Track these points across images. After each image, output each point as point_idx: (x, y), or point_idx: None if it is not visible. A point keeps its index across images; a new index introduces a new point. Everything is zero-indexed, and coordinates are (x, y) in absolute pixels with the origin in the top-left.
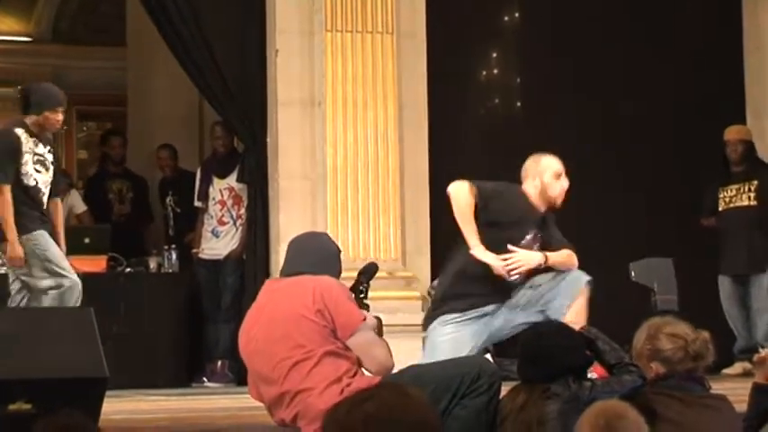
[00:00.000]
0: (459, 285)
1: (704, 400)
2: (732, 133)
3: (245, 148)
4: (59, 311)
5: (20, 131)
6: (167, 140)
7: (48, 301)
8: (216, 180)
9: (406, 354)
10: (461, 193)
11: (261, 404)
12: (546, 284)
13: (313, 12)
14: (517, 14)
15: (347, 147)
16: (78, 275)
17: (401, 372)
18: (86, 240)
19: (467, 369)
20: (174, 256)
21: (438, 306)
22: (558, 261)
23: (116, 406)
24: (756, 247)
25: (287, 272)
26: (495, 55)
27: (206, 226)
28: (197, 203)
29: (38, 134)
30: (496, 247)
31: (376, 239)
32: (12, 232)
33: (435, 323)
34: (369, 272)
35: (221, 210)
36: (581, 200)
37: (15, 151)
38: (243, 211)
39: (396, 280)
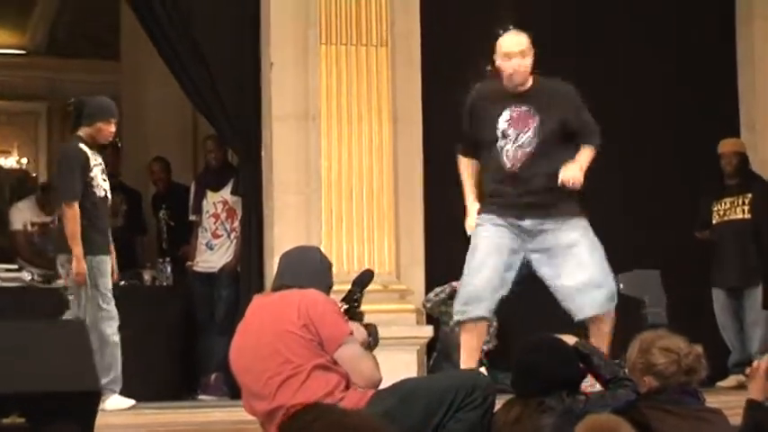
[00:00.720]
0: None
1: (699, 414)
2: (727, 146)
3: (240, 162)
4: (52, 324)
5: (83, 147)
6: (161, 153)
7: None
8: (210, 193)
9: (400, 367)
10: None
11: (254, 418)
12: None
13: (308, 25)
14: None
15: (342, 160)
16: None
17: (395, 385)
18: None
19: (461, 382)
20: (168, 269)
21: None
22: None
23: (110, 419)
24: (750, 260)
25: (276, 286)
26: (489, 68)
27: (200, 239)
28: (191, 217)
29: (91, 146)
30: (489, 148)
31: (370, 252)
32: (78, 248)
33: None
34: (363, 280)
35: (215, 223)
36: None
37: (83, 168)
38: (237, 224)
39: (390, 293)
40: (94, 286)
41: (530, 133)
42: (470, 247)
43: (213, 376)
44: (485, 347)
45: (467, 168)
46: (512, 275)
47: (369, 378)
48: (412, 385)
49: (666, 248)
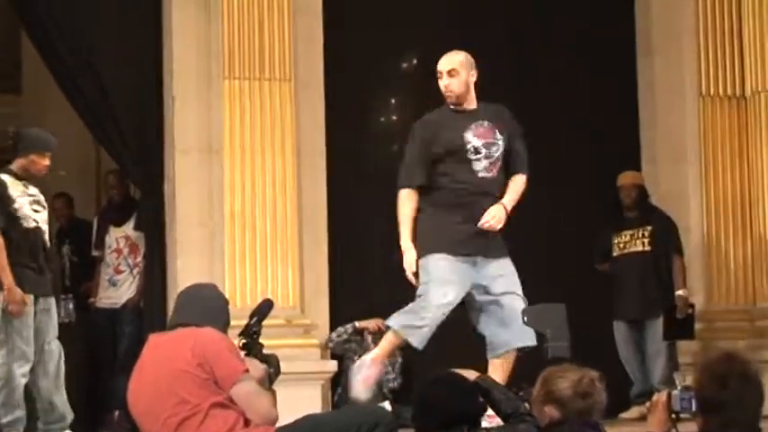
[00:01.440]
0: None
1: None
2: (626, 179)
3: (142, 196)
4: None
5: (4, 177)
6: (63, 189)
7: None
8: (112, 228)
9: (304, 402)
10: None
11: None
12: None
13: (210, 58)
14: (415, 60)
15: (245, 194)
16: None
17: (297, 421)
18: None
19: (363, 417)
20: (70, 305)
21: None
22: (514, 200)
23: None
24: (651, 292)
25: (172, 324)
26: (393, 101)
27: (103, 275)
28: (94, 252)
29: (26, 178)
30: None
31: (274, 286)
32: (8, 278)
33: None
34: (261, 311)
35: (117, 258)
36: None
37: (4, 198)
38: (140, 259)
39: (294, 327)
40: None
41: (498, 147)
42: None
43: (116, 414)
44: (390, 384)
45: (411, 203)
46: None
47: (264, 415)
48: (315, 421)
49: (570, 280)
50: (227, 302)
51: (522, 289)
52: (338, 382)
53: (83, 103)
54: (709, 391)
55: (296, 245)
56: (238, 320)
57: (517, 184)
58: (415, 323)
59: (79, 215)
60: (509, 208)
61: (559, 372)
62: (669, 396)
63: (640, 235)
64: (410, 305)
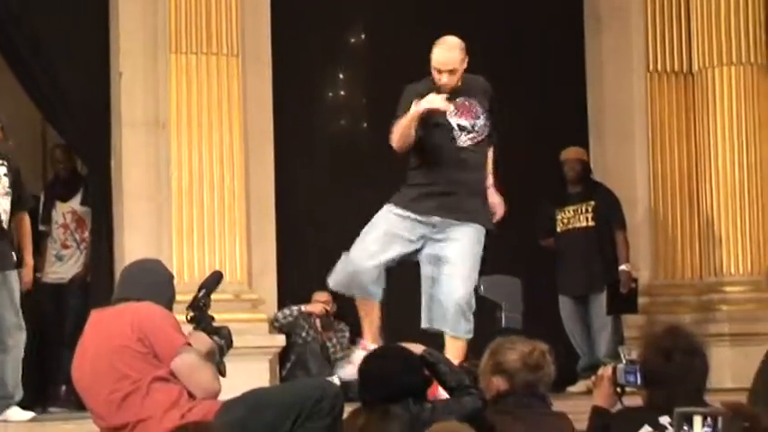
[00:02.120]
0: None
1: (544, 418)
2: (570, 153)
3: (89, 171)
4: None
5: None
6: None
7: None
8: (59, 203)
9: (251, 376)
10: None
11: None
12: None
13: (157, 33)
14: (363, 36)
15: (192, 168)
16: None
17: (244, 395)
18: None
19: (309, 391)
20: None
21: None
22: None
23: None
24: (595, 267)
25: (115, 298)
26: (341, 76)
27: (50, 250)
28: (41, 227)
29: None
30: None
31: (222, 261)
32: None
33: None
34: (210, 283)
35: (64, 233)
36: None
37: None
38: (87, 234)
39: (242, 302)
40: None
41: (480, 121)
42: None
43: (63, 388)
44: (336, 356)
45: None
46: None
47: (206, 389)
48: (261, 394)
49: (519, 255)
50: (171, 277)
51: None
52: (286, 357)
53: (29, 78)
54: (654, 364)
55: (243, 219)
56: (186, 295)
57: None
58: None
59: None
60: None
61: (508, 343)
62: (615, 370)
63: (584, 210)
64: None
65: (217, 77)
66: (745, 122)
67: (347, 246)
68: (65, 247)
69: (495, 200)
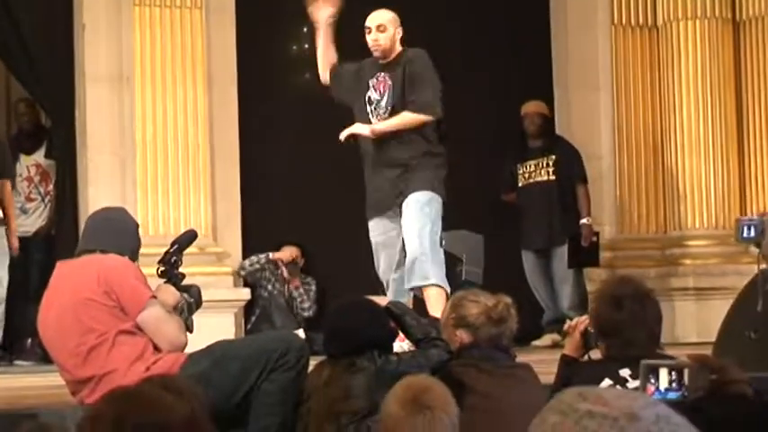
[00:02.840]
0: None
1: (510, 371)
2: (530, 107)
3: (53, 124)
4: None
5: None
6: None
7: None
8: (23, 157)
9: (216, 330)
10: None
11: None
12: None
13: None
14: None
15: (156, 122)
16: None
17: (209, 347)
18: None
19: (275, 344)
20: None
21: None
22: (384, 127)
23: None
24: (555, 221)
25: (79, 250)
26: (305, 30)
27: (14, 203)
28: None
29: None
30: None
31: (186, 215)
32: None
33: None
34: (183, 241)
35: (29, 186)
36: None
37: None
38: (51, 187)
39: (207, 255)
40: None
41: (385, 98)
42: None
43: (28, 341)
44: (305, 313)
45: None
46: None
47: (172, 342)
48: (226, 347)
49: (481, 211)
50: (136, 226)
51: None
52: (251, 311)
53: None
54: (605, 314)
55: (208, 173)
56: (150, 248)
57: (397, 117)
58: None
59: None
60: (370, 130)
61: (471, 296)
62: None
63: (544, 164)
64: None
65: (180, 30)
66: (710, 76)
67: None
68: (29, 200)
69: None
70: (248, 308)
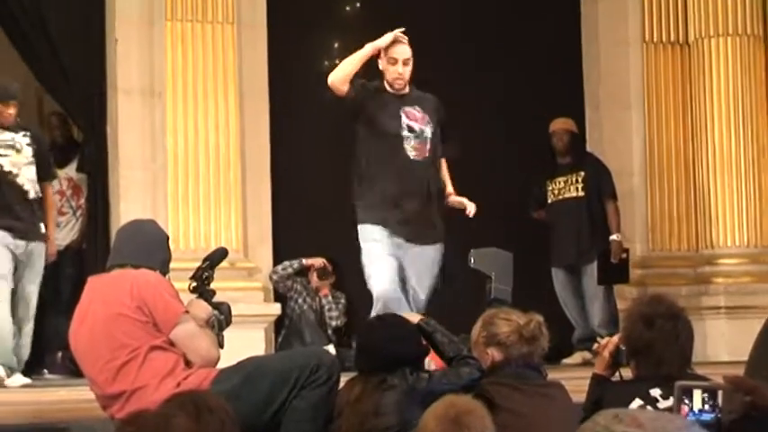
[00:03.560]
0: None
1: (541, 389)
2: (558, 124)
3: (85, 138)
4: None
5: None
6: None
7: None
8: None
9: (246, 345)
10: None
11: None
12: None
13: (153, 1)
14: (358, 4)
15: (188, 136)
16: None
17: (240, 363)
18: None
19: (306, 360)
20: None
21: None
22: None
23: None
24: (585, 237)
25: (111, 264)
26: (336, 45)
27: None
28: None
29: None
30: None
31: (217, 230)
32: None
33: None
34: (215, 257)
35: (61, 200)
36: None
37: None
38: (83, 201)
39: (237, 270)
40: None
41: (427, 130)
42: None
43: (59, 354)
44: (333, 323)
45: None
46: None
47: (204, 356)
48: (257, 363)
49: (509, 229)
50: (167, 238)
51: (462, 237)
52: (282, 325)
53: (26, 45)
54: (636, 333)
55: (239, 188)
56: (181, 263)
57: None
58: None
59: None
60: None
61: (502, 314)
62: (617, 346)
63: (574, 181)
64: None
65: (212, 45)
66: (741, 94)
67: (343, 214)
68: (61, 213)
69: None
70: (278, 323)
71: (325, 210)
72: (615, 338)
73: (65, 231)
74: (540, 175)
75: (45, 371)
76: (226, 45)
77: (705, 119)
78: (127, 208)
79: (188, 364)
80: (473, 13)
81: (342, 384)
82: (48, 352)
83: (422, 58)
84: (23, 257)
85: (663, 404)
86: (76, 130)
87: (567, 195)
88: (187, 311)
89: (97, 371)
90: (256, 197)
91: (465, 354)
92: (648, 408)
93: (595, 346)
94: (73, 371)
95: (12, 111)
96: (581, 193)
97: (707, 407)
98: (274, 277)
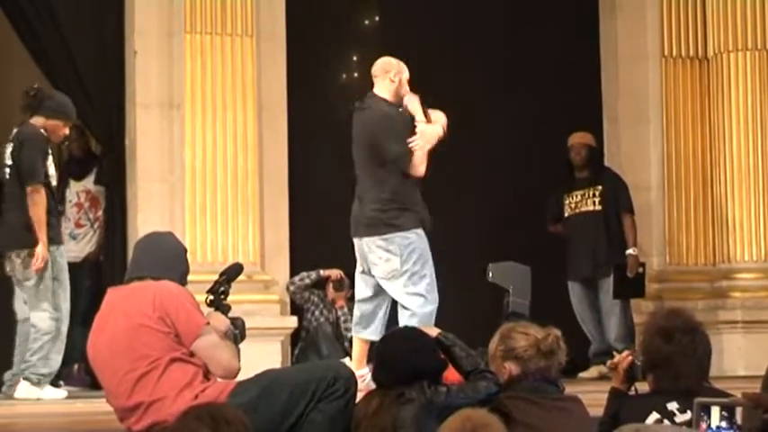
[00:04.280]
0: None
1: (558, 403)
2: (576, 138)
3: (103, 151)
4: None
5: (44, 132)
6: None
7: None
8: (72, 182)
9: (263, 357)
10: None
11: None
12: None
13: (172, 13)
14: (377, 18)
15: (206, 149)
16: None
17: (257, 376)
18: None
19: (323, 373)
20: None
21: None
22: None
23: None
24: (601, 251)
25: (130, 276)
26: (355, 58)
27: (63, 229)
28: None
29: None
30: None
31: (235, 242)
32: (44, 234)
33: None
34: (231, 272)
35: (78, 212)
36: (436, 201)
37: (45, 153)
38: (100, 213)
39: (254, 283)
40: (53, 278)
41: None
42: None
43: (76, 366)
44: (350, 334)
45: None
46: None
47: (226, 367)
48: (274, 376)
49: (527, 243)
50: (185, 251)
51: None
52: (298, 338)
53: (44, 57)
54: (655, 346)
55: (256, 201)
56: (198, 275)
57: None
58: None
59: None
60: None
61: (520, 328)
62: (632, 362)
63: (591, 194)
64: None
65: (231, 58)
66: (760, 108)
67: None
68: (78, 226)
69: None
70: (294, 335)
71: (343, 222)
72: (627, 354)
73: (82, 243)
74: (557, 188)
75: (61, 382)
76: (245, 58)
77: (723, 133)
78: (144, 220)
79: (206, 376)
80: (492, 29)
81: (359, 397)
82: (64, 364)
83: (440, 73)
84: None
85: (680, 418)
86: (94, 143)
87: (584, 209)
88: (208, 323)
89: (116, 382)
90: (274, 210)
91: (483, 368)
92: (666, 421)
93: (609, 362)
94: (90, 383)
95: (66, 132)
96: (598, 207)
97: (724, 423)
98: (291, 288)
